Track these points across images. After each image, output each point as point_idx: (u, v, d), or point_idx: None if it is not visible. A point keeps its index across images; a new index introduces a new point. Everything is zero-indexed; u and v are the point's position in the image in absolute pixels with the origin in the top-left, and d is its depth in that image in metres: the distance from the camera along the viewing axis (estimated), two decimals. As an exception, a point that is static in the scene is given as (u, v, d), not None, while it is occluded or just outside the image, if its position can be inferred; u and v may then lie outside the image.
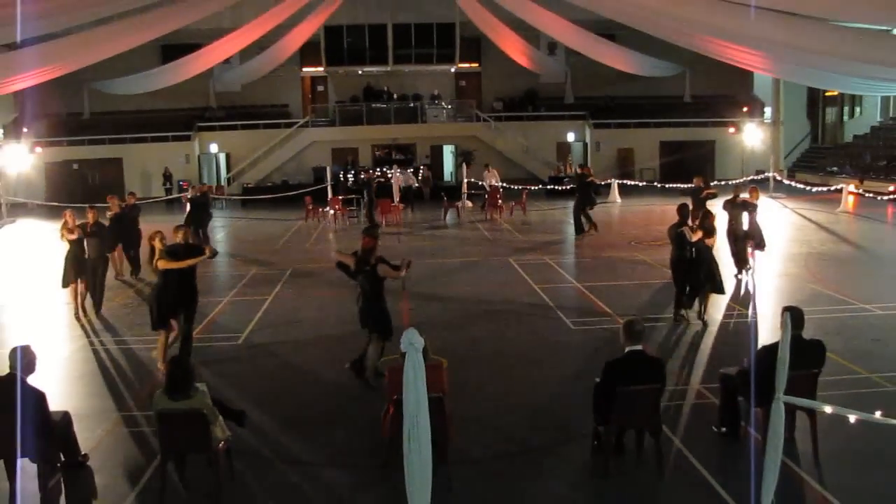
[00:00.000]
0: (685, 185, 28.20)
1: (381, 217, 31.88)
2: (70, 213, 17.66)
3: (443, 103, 48.84)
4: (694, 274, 14.78)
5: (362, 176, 37.34)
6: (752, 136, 42.42)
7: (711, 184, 23.84)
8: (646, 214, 31.97)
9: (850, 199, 33.16)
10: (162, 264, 12.82)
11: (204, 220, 25.87)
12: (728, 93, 47.41)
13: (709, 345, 13.85)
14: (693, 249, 14.66)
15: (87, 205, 19.49)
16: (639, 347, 8.75)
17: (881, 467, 8.86)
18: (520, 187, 36.58)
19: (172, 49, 42.12)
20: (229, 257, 24.85)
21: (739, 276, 18.61)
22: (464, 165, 39.88)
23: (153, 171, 44.30)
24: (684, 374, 12.07)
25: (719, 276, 15.25)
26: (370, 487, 8.80)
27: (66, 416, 9.08)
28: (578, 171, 28.76)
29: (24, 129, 42.12)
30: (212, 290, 19.44)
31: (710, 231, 14.82)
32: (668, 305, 15.61)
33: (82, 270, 17.17)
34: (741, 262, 18.73)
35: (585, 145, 48.20)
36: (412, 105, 48.21)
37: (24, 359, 8.34)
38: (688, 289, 15.01)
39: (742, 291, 17.76)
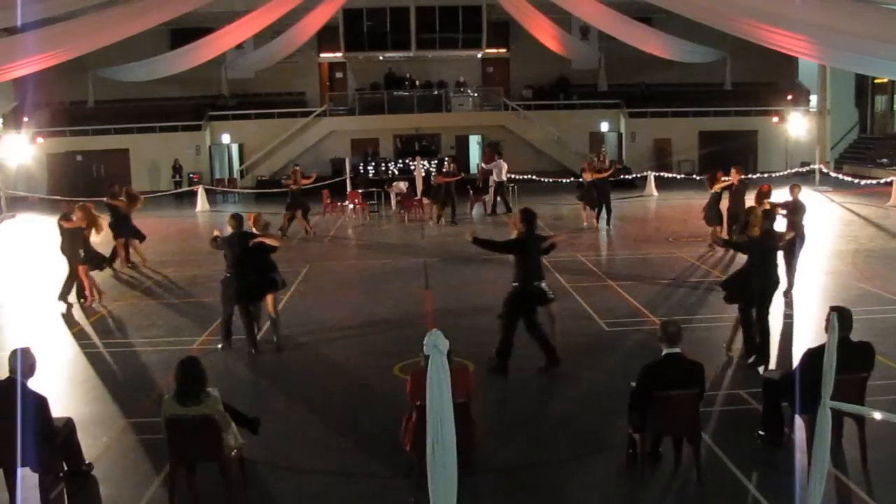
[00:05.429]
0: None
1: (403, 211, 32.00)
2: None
3: (469, 91, 48.57)
4: None
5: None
6: (796, 125, 42.06)
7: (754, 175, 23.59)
8: (684, 209, 31.74)
9: (901, 192, 32.87)
10: None
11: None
12: (771, 80, 46.97)
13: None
14: None
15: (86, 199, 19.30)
16: (677, 350, 8.72)
17: (934, 478, 8.78)
18: (549, 180, 36.39)
19: (182, 34, 42.16)
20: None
21: None
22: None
23: (162, 163, 44.34)
24: (725, 378, 12.01)
25: None
26: (391, 498, 8.79)
27: (69, 423, 9.13)
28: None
29: (25, 119, 42.15)
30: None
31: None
32: (708, 305, 15.52)
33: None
34: None
35: (620, 135, 47.88)
36: (436, 93, 47.97)
37: (24, 362, 8.37)
38: None
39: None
